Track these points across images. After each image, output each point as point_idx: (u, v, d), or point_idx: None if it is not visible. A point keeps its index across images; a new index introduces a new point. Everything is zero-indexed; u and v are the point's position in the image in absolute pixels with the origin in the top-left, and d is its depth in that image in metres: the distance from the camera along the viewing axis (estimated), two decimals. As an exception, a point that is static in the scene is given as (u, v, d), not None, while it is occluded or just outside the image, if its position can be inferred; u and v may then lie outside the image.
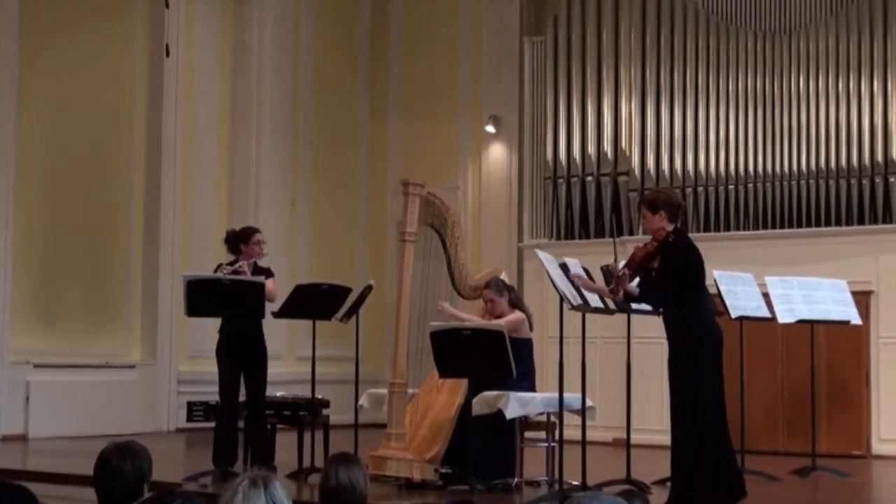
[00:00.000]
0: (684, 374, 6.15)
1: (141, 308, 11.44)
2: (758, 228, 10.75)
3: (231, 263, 7.86)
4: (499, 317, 7.56)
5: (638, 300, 6.54)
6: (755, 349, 9.72)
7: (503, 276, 7.87)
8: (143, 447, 3.46)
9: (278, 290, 7.95)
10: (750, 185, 10.85)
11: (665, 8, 11.44)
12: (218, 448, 7.61)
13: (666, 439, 6.55)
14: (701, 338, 6.15)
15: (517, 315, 7.58)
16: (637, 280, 6.40)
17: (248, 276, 7.55)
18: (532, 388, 7.55)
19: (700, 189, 11.06)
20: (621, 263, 6.40)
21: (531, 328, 7.70)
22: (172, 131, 11.59)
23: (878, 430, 9.95)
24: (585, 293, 6.84)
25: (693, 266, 6.22)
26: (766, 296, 8.46)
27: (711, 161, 11.07)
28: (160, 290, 11.38)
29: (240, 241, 8.00)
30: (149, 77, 11.58)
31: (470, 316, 7.69)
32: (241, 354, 7.76)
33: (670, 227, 6.26)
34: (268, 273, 7.96)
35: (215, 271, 7.79)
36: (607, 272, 6.91)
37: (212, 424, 8.38)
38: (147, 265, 11.48)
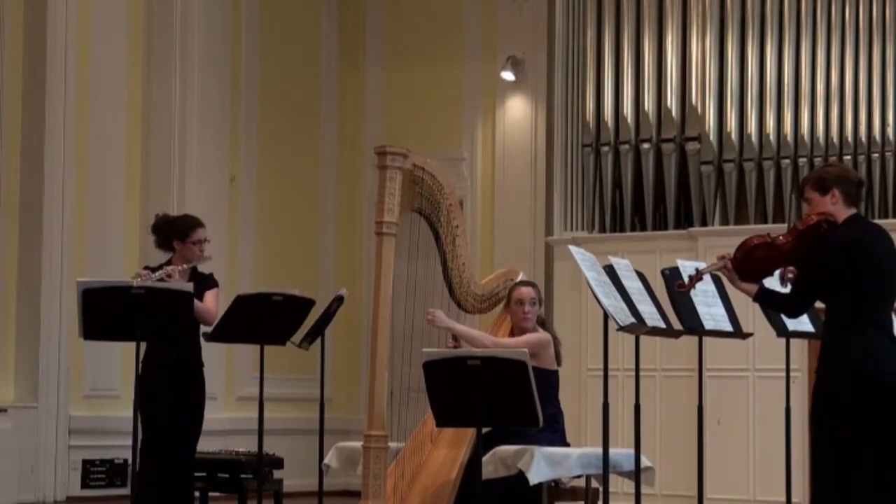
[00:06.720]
0: (814, 421, 6.04)
1: (15, 329, 11.40)
2: (887, 216, 10.72)
3: (158, 268, 7.91)
4: (519, 334, 7.65)
5: (760, 301, 6.37)
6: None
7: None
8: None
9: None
10: (875, 156, 10.87)
11: None
12: None
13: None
14: (850, 372, 5.95)
15: (541, 335, 7.64)
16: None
17: (177, 284, 7.55)
18: (562, 440, 7.63)
19: (802, 161, 11.09)
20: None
21: (559, 362, 7.77)
22: (61, 80, 11.52)
23: None
24: (638, 305, 6.84)
25: (848, 271, 6.01)
26: None
27: (819, 122, 11.09)
28: (42, 303, 11.34)
29: (173, 234, 8.04)
30: (25, 1, 11.56)
31: (476, 332, 7.72)
32: (177, 389, 7.86)
33: (849, 213, 6.13)
34: (209, 282, 8.04)
35: (135, 277, 7.78)
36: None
37: (117, 491, 8.44)
38: (24, 269, 11.43)
